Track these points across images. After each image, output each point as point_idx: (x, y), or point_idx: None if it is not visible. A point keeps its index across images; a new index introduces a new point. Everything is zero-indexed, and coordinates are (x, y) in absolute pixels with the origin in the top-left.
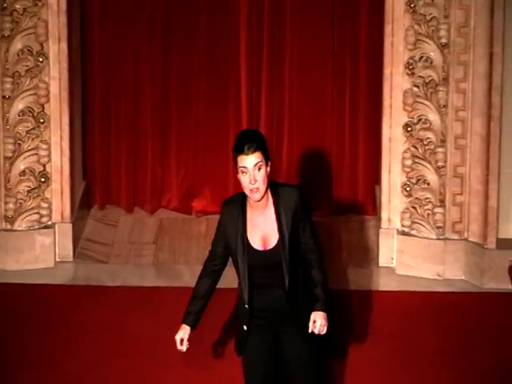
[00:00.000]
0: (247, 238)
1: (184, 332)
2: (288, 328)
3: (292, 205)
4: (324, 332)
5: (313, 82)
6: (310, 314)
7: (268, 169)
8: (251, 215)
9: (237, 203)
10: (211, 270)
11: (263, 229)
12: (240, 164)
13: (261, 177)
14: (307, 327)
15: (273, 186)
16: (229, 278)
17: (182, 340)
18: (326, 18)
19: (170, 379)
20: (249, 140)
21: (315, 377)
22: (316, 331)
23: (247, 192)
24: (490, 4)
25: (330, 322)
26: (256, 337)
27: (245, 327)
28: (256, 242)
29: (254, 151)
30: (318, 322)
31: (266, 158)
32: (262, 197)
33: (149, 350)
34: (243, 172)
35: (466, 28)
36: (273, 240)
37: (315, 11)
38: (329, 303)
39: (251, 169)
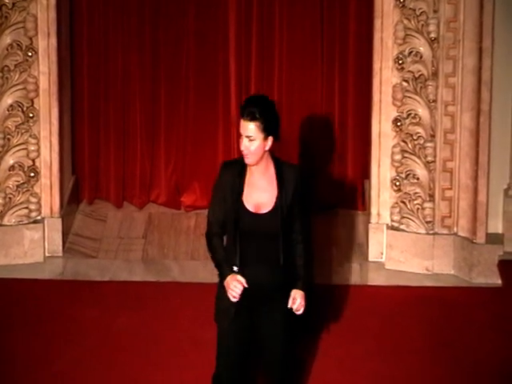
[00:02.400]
0: (242, 199)
1: (234, 276)
2: (267, 306)
3: (293, 181)
4: (301, 312)
5: (302, 77)
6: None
7: (268, 142)
8: (250, 177)
9: (237, 164)
10: (215, 232)
11: (260, 193)
12: (240, 128)
13: (249, 149)
14: (286, 303)
15: (275, 159)
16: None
17: (240, 281)
18: (315, 12)
19: (159, 374)
20: (252, 105)
21: (287, 355)
22: (294, 307)
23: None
24: None
25: (308, 301)
26: (237, 317)
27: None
28: (250, 205)
29: (251, 119)
30: (297, 300)
31: (267, 130)
32: (257, 163)
33: (138, 344)
34: (240, 135)
35: (456, 22)
36: (267, 206)
37: (304, 5)
38: (310, 284)
39: (243, 137)
